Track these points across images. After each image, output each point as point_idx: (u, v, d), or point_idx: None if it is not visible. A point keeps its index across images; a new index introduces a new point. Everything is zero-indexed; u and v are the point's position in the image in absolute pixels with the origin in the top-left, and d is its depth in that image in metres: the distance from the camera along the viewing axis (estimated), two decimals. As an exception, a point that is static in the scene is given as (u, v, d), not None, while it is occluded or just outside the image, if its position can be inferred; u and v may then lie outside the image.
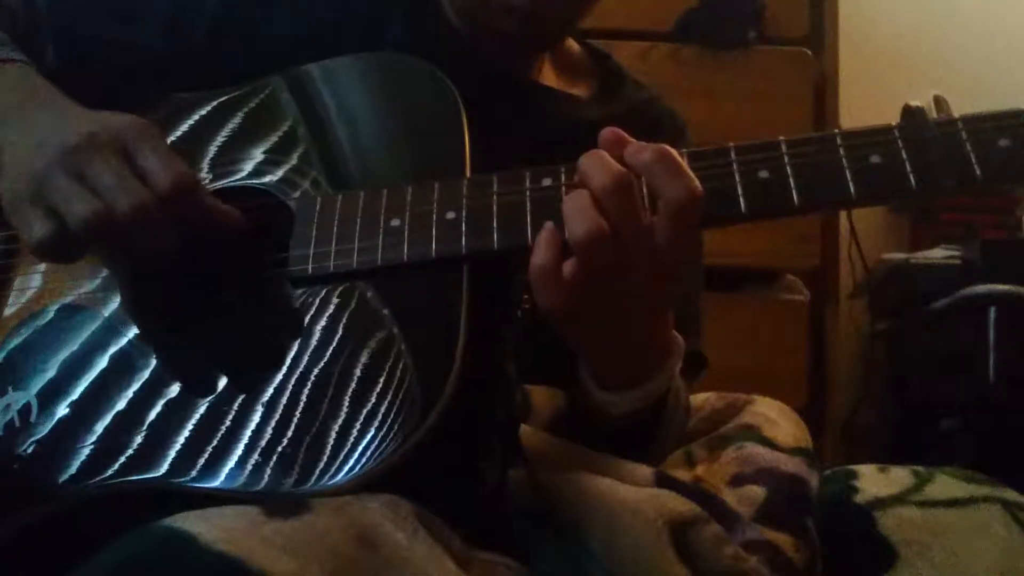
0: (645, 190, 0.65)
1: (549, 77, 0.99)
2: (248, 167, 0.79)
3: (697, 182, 0.64)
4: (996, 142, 0.63)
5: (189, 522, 0.53)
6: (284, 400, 0.66)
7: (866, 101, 2.03)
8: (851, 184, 0.64)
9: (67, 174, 0.68)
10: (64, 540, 0.67)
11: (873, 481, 0.79)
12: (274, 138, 0.80)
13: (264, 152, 0.80)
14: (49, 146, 0.70)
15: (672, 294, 0.70)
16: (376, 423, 0.63)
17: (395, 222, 0.71)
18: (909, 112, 0.65)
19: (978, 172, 0.63)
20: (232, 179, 0.79)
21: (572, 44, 1.04)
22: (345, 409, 0.64)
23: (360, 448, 0.62)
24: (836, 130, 0.66)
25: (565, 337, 0.71)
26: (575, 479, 0.70)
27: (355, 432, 0.63)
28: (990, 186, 0.63)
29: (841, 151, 0.65)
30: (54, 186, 0.68)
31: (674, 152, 0.65)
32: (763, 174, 0.66)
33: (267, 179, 0.78)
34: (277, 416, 0.65)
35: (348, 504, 0.57)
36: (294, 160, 0.79)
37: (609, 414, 0.75)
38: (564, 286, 0.65)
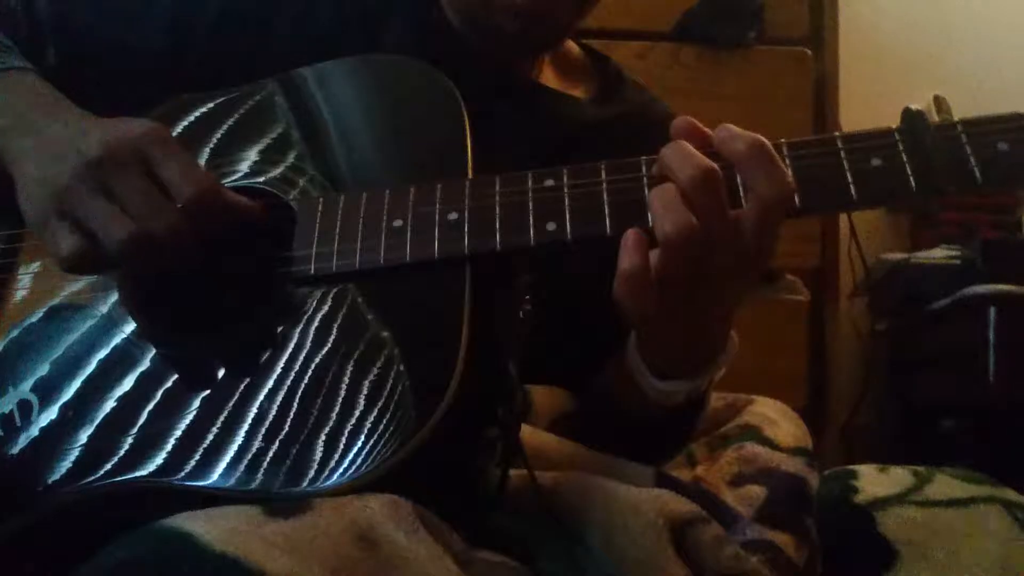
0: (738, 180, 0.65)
1: (549, 78, 0.99)
2: (247, 167, 0.79)
3: (790, 176, 0.63)
4: (995, 145, 0.63)
5: (189, 522, 0.53)
6: (285, 399, 0.66)
7: (866, 101, 2.03)
8: (852, 187, 0.64)
9: (92, 189, 0.68)
10: (65, 539, 0.67)
11: (873, 481, 0.79)
12: (275, 138, 0.80)
13: (264, 152, 0.80)
14: (68, 159, 0.70)
15: (750, 286, 0.69)
16: (377, 423, 0.63)
17: (398, 223, 0.71)
18: (909, 115, 0.66)
19: (977, 175, 0.63)
20: (232, 179, 0.79)
21: (571, 46, 1.04)
22: (346, 409, 0.64)
23: (361, 448, 0.62)
24: (837, 133, 0.66)
25: (637, 328, 0.70)
26: (575, 479, 0.70)
27: (356, 432, 0.63)
28: (989, 189, 0.63)
29: (842, 154, 0.65)
30: (81, 203, 0.68)
31: (768, 144, 0.64)
32: None
33: (267, 179, 0.78)
34: (278, 415, 0.65)
35: (349, 504, 0.57)
36: (295, 161, 0.79)
37: (662, 405, 0.75)
38: (652, 287, 0.64)
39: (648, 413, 0.77)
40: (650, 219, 0.64)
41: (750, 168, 0.63)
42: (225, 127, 0.82)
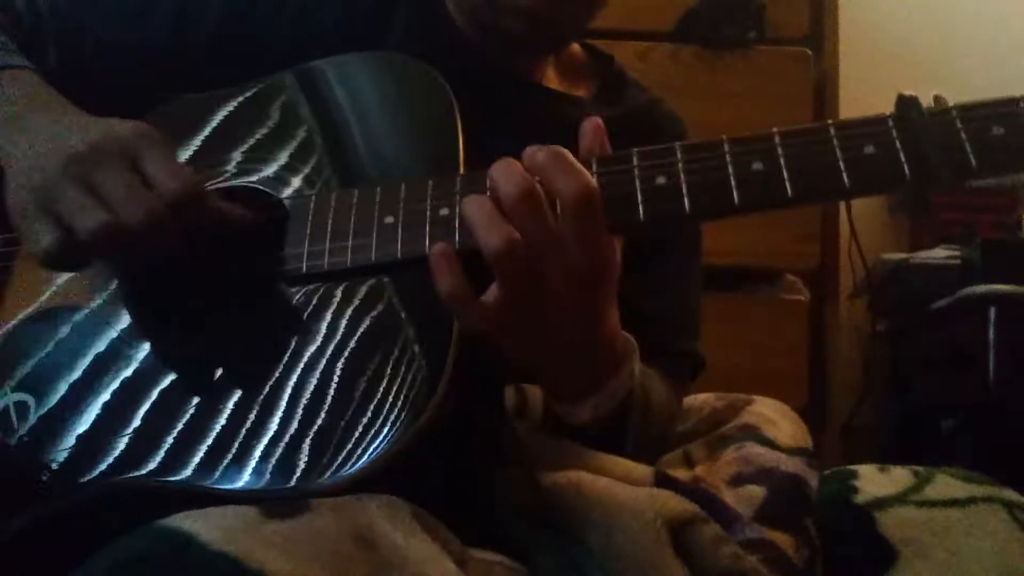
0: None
1: (551, 79, 0.99)
2: (242, 166, 0.79)
3: (590, 177, 0.64)
4: (990, 130, 0.62)
5: (188, 522, 0.53)
6: (278, 398, 0.66)
7: (866, 101, 2.02)
8: (845, 175, 0.64)
9: (74, 184, 0.68)
10: (64, 539, 0.67)
11: (873, 481, 0.78)
12: (269, 136, 0.80)
13: (258, 150, 0.80)
14: (54, 155, 0.70)
15: (595, 301, 0.68)
16: (369, 421, 0.63)
17: (389, 219, 0.71)
18: (903, 101, 0.65)
19: (972, 161, 0.62)
20: (229, 178, 0.79)
21: (574, 46, 1.04)
22: (339, 407, 0.65)
23: (353, 446, 0.63)
24: (830, 121, 0.66)
25: (502, 356, 0.70)
26: (574, 479, 0.70)
27: (348, 430, 0.63)
28: (985, 175, 0.62)
29: (835, 141, 0.65)
30: (61, 196, 0.68)
31: (566, 152, 0.64)
32: (756, 166, 0.65)
33: (262, 177, 0.78)
34: (270, 414, 0.66)
35: (347, 504, 0.57)
36: (289, 159, 0.79)
37: (570, 424, 0.74)
38: (483, 305, 0.64)
39: (567, 429, 0.76)
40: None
41: (550, 174, 0.64)
42: (222, 126, 0.82)
